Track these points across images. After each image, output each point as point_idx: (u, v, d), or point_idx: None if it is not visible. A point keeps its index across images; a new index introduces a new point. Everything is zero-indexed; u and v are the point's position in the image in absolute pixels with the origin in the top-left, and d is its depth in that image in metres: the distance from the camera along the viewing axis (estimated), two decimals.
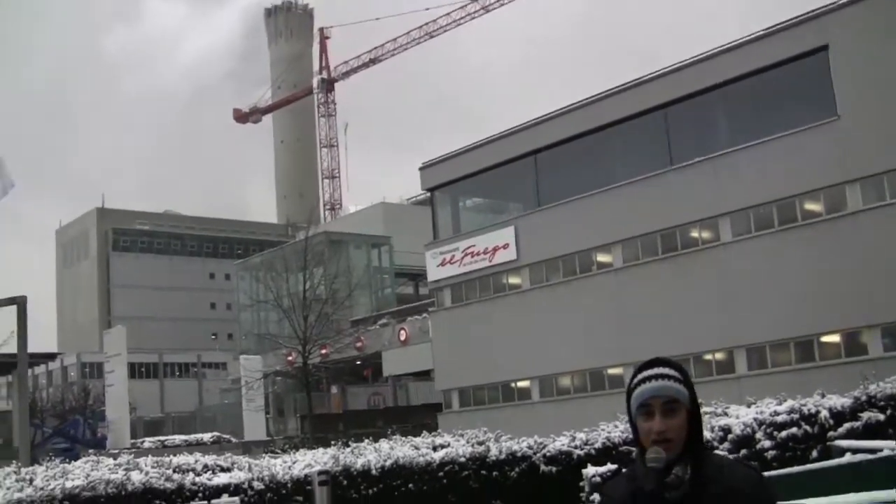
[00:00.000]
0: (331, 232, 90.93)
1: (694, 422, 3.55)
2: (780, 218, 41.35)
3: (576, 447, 27.35)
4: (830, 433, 20.73)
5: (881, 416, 20.71)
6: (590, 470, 22.70)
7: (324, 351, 62.22)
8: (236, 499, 23.23)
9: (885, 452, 14.79)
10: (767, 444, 19.95)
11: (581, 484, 22.65)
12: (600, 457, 25.45)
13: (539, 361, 50.04)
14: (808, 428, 21.48)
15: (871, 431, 20.06)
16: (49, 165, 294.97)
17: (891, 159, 37.62)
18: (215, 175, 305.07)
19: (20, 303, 30.47)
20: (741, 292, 41.74)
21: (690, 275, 43.81)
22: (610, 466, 22.69)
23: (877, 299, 37.58)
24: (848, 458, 14.98)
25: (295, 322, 55.46)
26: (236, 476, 24.31)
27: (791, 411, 22.01)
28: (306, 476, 24.92)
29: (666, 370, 3.60)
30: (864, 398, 21.36)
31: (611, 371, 47.71)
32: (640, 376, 3.66)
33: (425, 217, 62.87)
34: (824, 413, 21.45)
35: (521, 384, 52.75)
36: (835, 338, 40.09)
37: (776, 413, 21.84)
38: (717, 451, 3.73)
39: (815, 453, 20.10)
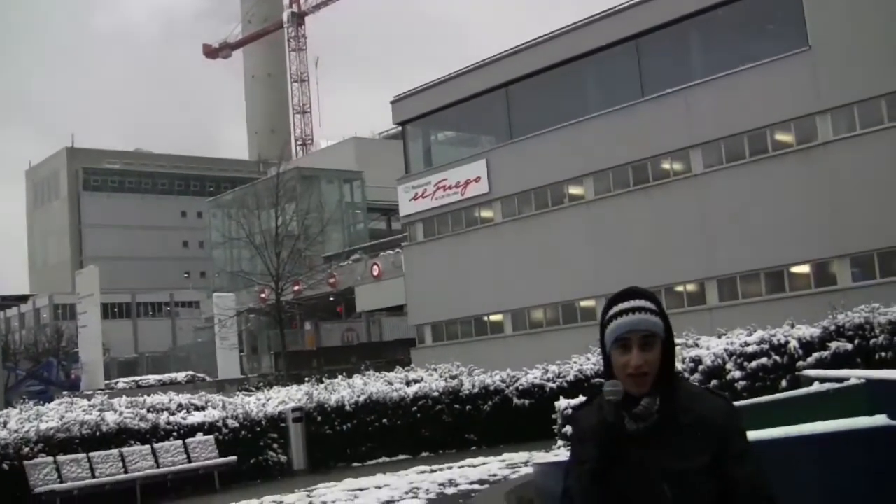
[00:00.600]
0: (303, 167, 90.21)
1: (667, 353, 3.46)
2: (752, 149, 41.34)
3: (548, 380, 27.56)
4: (799, 363, 20.87)
5: (849, 346, 20.86)
6: (562, 402, 22.80)
7: (297, 287, 62.23)
8: (211, 437, 23.29)
9: (853, 381, 14.86)
10: (737, 374, 20.11)
11: (553, 416, 22.77)
12: (573, 389, 25.63)
13: (512, 295, 50.13)
14: (777, 358, 21.63)
15: (839, 361, 20.21)
16: (18, 104, 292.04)
17: (861, 90, 37.57)
18: (186, 112, 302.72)
19: None
20: (712, 223, 41.81)
21: (662, 206, 43.81)
22: (582, 399, 22.83)
23: (846, 230, 37.70)
24: (816, 387, 15.04)
25: (267, 259, 55.34)
26: (210, 414, 24.36)
27: (761, 342, 22.14)
28: (280, 413, 25.03)
29: (643, 303, 3.48)
30: (832, 328, 21.50)
31: (583, 304, 47.85)
32: (615, 309, 3.51)
33: (397, 151, 62.60)
34: (793, 343, 21.59)
35: (493, 318, 52.87)
36: (804, 268, 40.26)
37: (746, 344, 21.97)
38: (688, 381, 3.65)
39: (784, 383, 20.25)
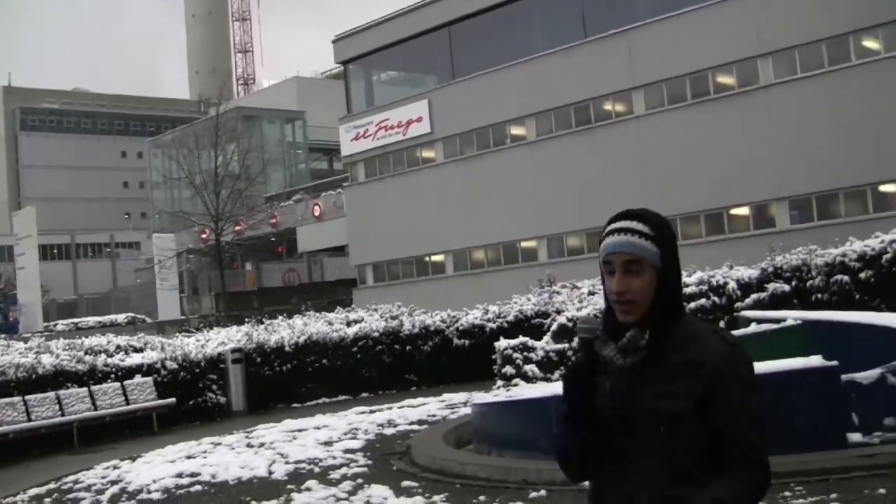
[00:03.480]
0: (243, 107, 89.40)
1: (665, 284, 3.18)
2: (693, 91, 41.46)
3: (489, 320, 27.60)
4: (738, 304, 21.08)
5: (786, 287, 21.08)
6: (502, 343, 22.91)
7: (237, 228, 61.91)
8: (149, 379, 23.14)
9: (790, 322, 15.00)
10: None
11: (493, 356, 22.85)
12: (513, 329, 25.70)
13: (453, 235, 50.13)
14: (716, 299, 21.83)
15: (777, 302, 20.43)
16: None
17: (803, 33, 37.69)
18: (126, 52, 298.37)
19: None
20: (654, 165, 41.93)
21: (604, 148, 43.87)
22: (522, 339, 22.91)
23: (786, 172, 37.96)
24: (754, 328, 15.18)
25: (208, 199, 55.02)
26: (149, 356, 24.21)
27: (700, 283, 22.32)
28: (220, 354, 24.92)
29: (632, 224, 3.20)
30: (771, 270, 21.71)
31: (524, 244, 47.97)
32: (607, 228, 3.29)
33: (340, 91, 62.21)
34: (732, 285, 21.78)
35: (435, 258, 52.90)
36: (744, 210, 40.54)
37: (686, 284, 22.11)
38: (697, 319, 3.31)
39: (722, 324, 20.42)
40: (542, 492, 10.63)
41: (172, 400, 23.05)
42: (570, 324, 22.49)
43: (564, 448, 3.36)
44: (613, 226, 3.26)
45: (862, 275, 20.24)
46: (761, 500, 3.07)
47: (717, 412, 3.07)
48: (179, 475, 14.59)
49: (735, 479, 3.04)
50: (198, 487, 13.55)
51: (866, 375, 11.33)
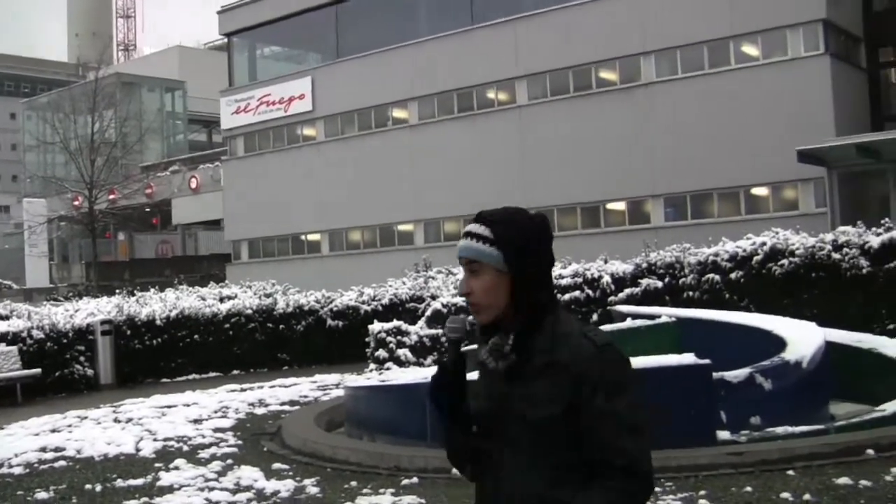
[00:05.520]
0: (123, 73, 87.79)
1: (521, 285, 3.11)
2: (576, 84, 41.85)
3: (363, 302, 27.61)
4: (611, 298, 21.43)
5: (659, 284, 21.49)
6: (376, 326, 22.96)
7: (111, 196, 60.86)
8: (14, 348, 22.64)
9: (664, 319, 15.30)
10: None
11: (367, 339, 22.89)
12: (387, 313, 25.79)
13: (331, 215, 49.92)
14: (590, 292, 22.16)
15: (649, 297, 20.82)
16: None
17: (686, 33, 38.27)
18: (2, 10, 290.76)
19: None
20: (533, 155, 42.21)
21: (485, 136, 44.05)
22: (396, 323, 22.99)
23: (662, 170, 38.56)
24: (629, 322, 15.45)
25: (82, 165, 54.07)
26: (15, 324, 23.71)
27: (575, 275, 22.63)
28: (89, 325, 24.47)
29: (475, 227, 3.19)
30: (644, 266, 22.11)
31: (401, 227, 48.01)
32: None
33: (222, 63, 61.47)
34: (606, 278, 22.14)
35: (311, 237, 52.65)
36: (620, 205, 41.07)
37: (560, 276, 22.41)
38: (570, 319, 3.18)
39: (595, 317, 20.77)
40: (414, 479, 10.67)
41: (38, 370, 22.59)
42: (444, 309, 22.63)
43: (448, 444, 3.34)
44: (465, 229, 3.27)
45: (733, 275, 20.73)
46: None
47: (584, 416, 2.96)
48: (43, 449, 14.33)
49: (603, 489, 2.92)
50: (62, 463, 13.30)
51: (736, 374, 11.60)
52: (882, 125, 37.86)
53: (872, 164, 32.32)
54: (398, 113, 48.82)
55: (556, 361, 3.01)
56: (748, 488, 9.16)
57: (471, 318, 3.29)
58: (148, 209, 74.80)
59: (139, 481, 11.71)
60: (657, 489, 9.39)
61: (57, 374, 23.39)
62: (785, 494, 8.86)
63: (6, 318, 24.83)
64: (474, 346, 3.40)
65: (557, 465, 3.03)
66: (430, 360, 21.70)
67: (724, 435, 10.89)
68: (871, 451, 10.26)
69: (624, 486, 2.91)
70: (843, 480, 9.21)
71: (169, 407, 18.33)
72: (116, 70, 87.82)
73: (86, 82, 66.94)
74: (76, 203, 62.84)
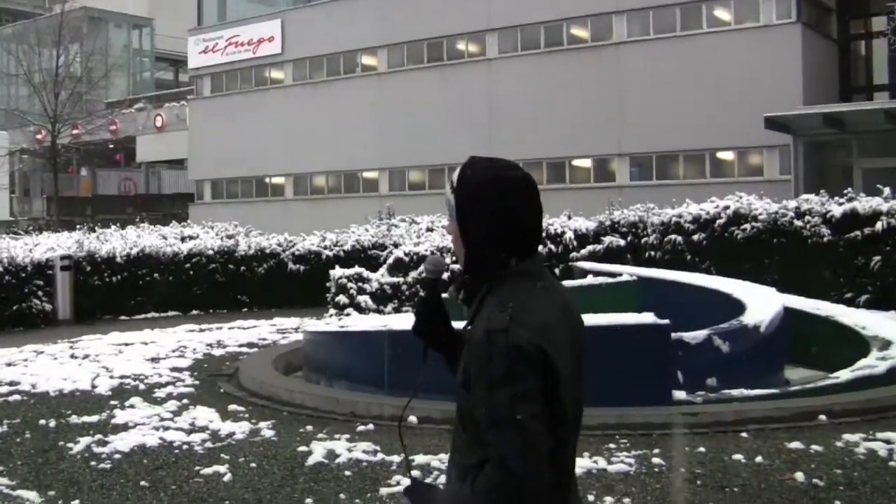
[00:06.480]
0: (90, 7, 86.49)
1: (466, 242, 2.96)
2: (547, 40, 41.76)
3: (325, 248, 27.57)
4: (573, 254, 21.49)
5: (622, 242, 21.58)
6: (337, 271, 22.90)
7: (75, 131, 60.32)
8: None
9: (626, 278, 15.35)
10: None
11: (328, 284, 22.84)
12: (349, 259, 25.76)
13: (296, 159, 49.73)
14: (552, 247, 22.19)
15: (611, 255, 20.91)
16: None
17: None
18: None
19: None
20: (501, 109, 42.14)
21: (453, 87, 43.95)
22: (358, 269, 22.97)
23: (630, 129, 38.65)
24: (591, 279, 15.48)
25: (46, 99, 53.52)
26: None
27: None
28: (48, 260, 24.27)
29: (454, 175, 3.03)
30: (608, 223, 22.19)
31: (366, 175, 47.91)
32: None
33: (192, 2, 60.88)
34: (569, 234, 22.19)
35: (275, 180, 52.46)
36: (586, 162, 41.13)
37: None
38: (527, 283, 2.90)
39: (557, 272, 20.80)
40: (370, 425, 10.69)
41: None
42: (406, 258, 22.62)
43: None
44: None
45: (695, 237, 20.85)
46: (511, 500, 2.60)
47: (470, 397, 2.79)
48: None
49: (483, 475, 2.66)
50: (16, 397, 13.23)
51: (694, 336, 11.68)
52: (850, 96, 38.08)
53: (837, 134, 32.53)
54: (367, 60, 48.57)
55: (472, 329, 2.89)
56: (701, 448, 9.24)
57: (448, 259, 3.24)
58: (112, 146, 74.15)
59: (94, 418, 11.66)
60: (611, 445, 9.48)
61: (14, 307, 23.20)
62: (737, 456, 8.94)
63: None
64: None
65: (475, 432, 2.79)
66: (390, 307, 21.69)
67: (680, 395, 10.96)
68: (823, 417, 10.36)
69: (492, 476, 2.63)
70: (795, 445, 9.31)
71: (126, 344, 18.27)
72: (83, 4, 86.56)
73: (51, 15, 66.07)
74: (39, 137, 62.27)
